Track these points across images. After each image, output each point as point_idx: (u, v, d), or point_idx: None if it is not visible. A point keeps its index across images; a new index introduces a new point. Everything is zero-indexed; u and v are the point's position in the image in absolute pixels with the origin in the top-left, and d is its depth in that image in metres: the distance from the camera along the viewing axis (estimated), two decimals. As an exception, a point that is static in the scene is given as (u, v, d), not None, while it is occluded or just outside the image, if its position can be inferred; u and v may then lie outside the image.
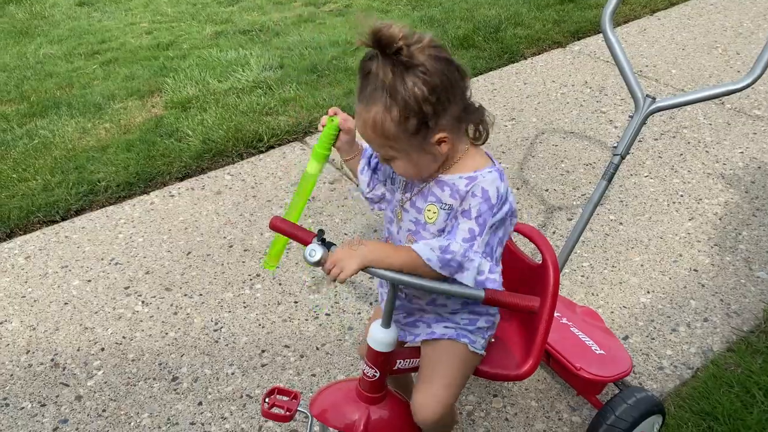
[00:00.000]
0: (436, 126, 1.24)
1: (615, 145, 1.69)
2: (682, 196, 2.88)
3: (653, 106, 1.65)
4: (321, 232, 1.36)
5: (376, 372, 1.47)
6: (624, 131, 1.68)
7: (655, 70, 3.97)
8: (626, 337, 2.21)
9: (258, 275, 2.54)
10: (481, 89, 3.83)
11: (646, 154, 3.17)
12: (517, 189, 2.96)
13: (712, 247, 2.58)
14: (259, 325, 2.32)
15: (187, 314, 2.38)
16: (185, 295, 2.47)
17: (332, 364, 2.16)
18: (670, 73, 3.92)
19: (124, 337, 2.30)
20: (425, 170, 1.34)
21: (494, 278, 1.31)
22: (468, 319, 1.46)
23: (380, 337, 1.44)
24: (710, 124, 3.39)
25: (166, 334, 2.31)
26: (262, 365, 2.17)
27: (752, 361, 2.05)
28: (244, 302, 2.42)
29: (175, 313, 2.39)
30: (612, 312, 2.31)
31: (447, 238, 1.32)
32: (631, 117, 1.71)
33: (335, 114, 1.47)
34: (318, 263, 1.31)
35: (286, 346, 2.23)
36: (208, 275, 2.55)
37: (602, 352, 1.86)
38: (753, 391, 1.93)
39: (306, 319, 2.33)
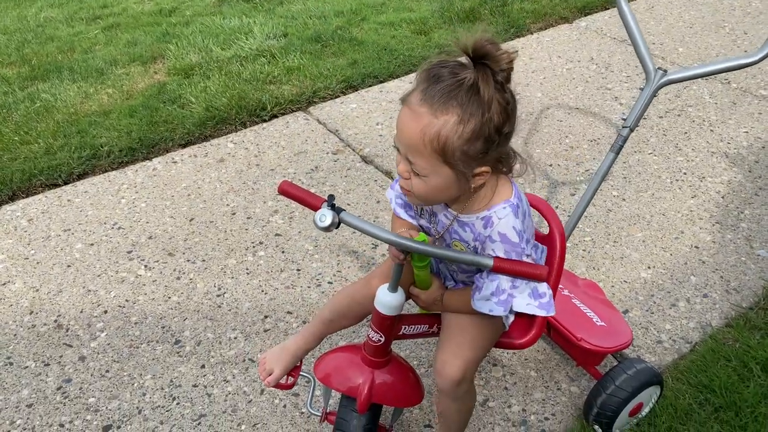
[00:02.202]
0: (486, 158, 1.21)
1: (624, 117, 1.68)
2: (685, 174, 2.88)
3: (664, 79, 1.64)
4: (331, 197, 1.36)
5: (381, 337, 1.48)
6: (634, 103, 1.67)
7: (662, 48, 3.94)
8: (626, 311, 2.23)
9: (261, 243, 2.55)
10: (486, 63, 3.80)
11: (650, 131, 3.16)
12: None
13: (713, 225, 2.59)
14: (262, 291, 2.33)
15: (190, 279, 2.39)
16: (188, 260, 2.47)
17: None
18: (677, 51, 3.90)
19: (127, 300, 2.31)
20: (440, 198, 1.32)
21: (544, 291, 1.36)
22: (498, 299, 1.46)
23: (387, 300, 1.45)
24: (716, 103, 3.37)
25: (169, 298, 2.32)
26: (265, 330, 2.18)
27: (750, 337, 2.08)
28: (247, 269, 2.43)
29: (178, 278, 2.40)
30: (613, 286, 2.32)
31: (497, 296, 1.35)
32: (642, 89, 1.71)
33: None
34: (328, 228, 1.31)
35: (289, 312, 2.25)
36: (211, 242, 2.56)
37: (603, 323, 1.88)
38: (750, 365, 1.95)
39: (308, 287, 2.35)
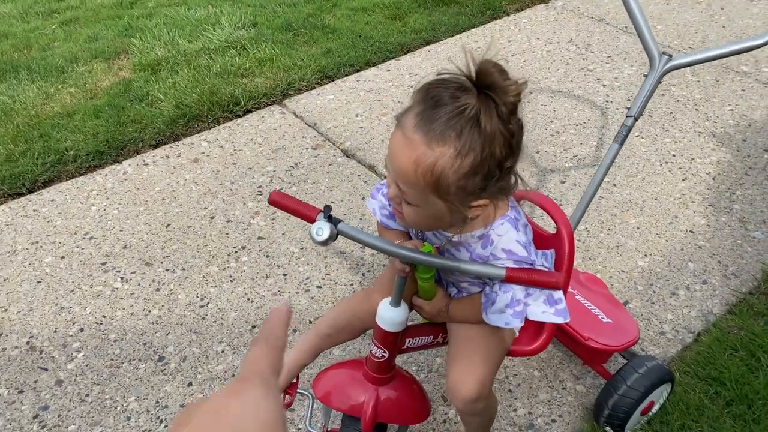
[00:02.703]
0: (485, 193, 1.09)
1: (628, 106, 1.60)
2: (674, 156, 2.83)
3: (669, 64, 1.56)
4: (327, 208, 1.25)
5: (384, 352, 1.39)
6: (638, 91, 1.59)
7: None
8: (626, 302, 2.17)
9: (243, 247, 2.42)
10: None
11: (636, 113, 3.09)
12: (508, 151, 2.87)
13: (707, 208, 2.54)
14: (248, 299, 2.22)
15: (171, 290, 2.26)
16: (167, 269, 2.34)
17: (327, 338, 2.08)
18: (656, 29, 3.83)
19: (104, 317, 2.18)
20: (432, 226, 1.23)
21: (560, 296, 1.27)
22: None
23: (390, 316, 1.36)
24: (698, 81, 3.33)
25: (149, 311, 2.19)
26: (254, 342, 2.07)
27: (754, 324, 2.03)
28: (231, 276, 2.31)
29: (158, 290, 2.27)
30: (611, 277, 2.26)
31: (512, 307, 1.26)
32: (646, 76, 1.62)
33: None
34: (326, 242, 1.21)
35: (278, 321, 2.14)
36: (191, 248, 2.43)
37: (609, 320, 1.81)
38: (758, 355, 1.91)
39: (297, 292, 2.24)
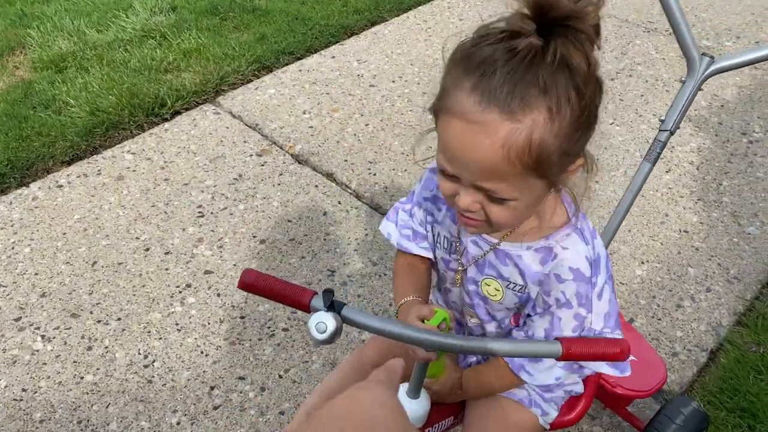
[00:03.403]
0: (582, 148, 0.88)
1: (662, 118, 1.34)
2: (652, 144, 2.64)
3: (712, 68, 1.31)
4: (328, 292, 0.93)
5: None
6: (674, 101, 1.34)
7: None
8: (631, 320, 1.96)
9: (188, 285, 2.05)
10: (413, 29, 3.38)
11: (605, 96, 2.88)
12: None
13: (696, 203, 2.37)
14: (201, 352, 1.87)
15: (106, 348, 1.88)
16: (98, 321, 1.95)
17: (303, 395, 1.76)
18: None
19: (24, 390, 1.78)
20: (525, 219, 0.97)
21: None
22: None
23: (411, 409, 1.07)
24: (663, 59, 3.15)
25: (82, 378, 1.81)
26: (215, 407, 1.74)
27: (772, 338, 1.87)
28: (177, 323, 1.95)
29: (89, 348, 1.88)
30: (610, 291, 2.04)
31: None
32: (683, 82, 1.37)
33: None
34: (331, 340, 0.90)
35: (241, 378, 1.80)
36: (125, 291, 2.04)
37: (633, 358, 1.58)
38: (784, 377, 1.74)
39: (259, 339, 1.90)
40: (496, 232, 1.00)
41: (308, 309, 0.94)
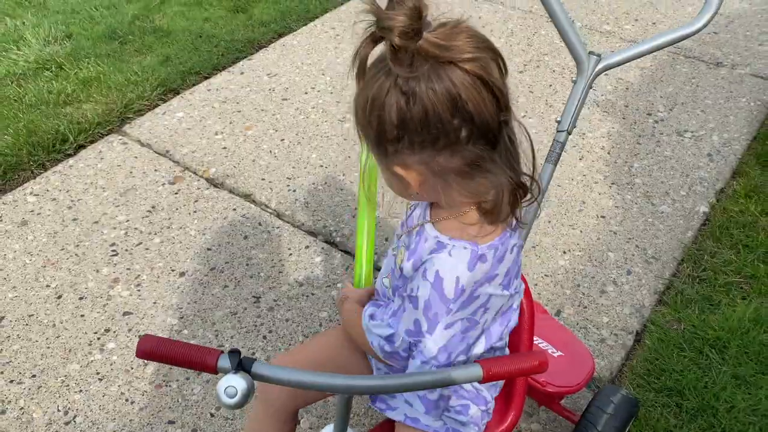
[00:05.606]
0: (396, 155, 0.89)
1: (559, 119, 1.36)
2: (564, 132, 2.69)
3: (600, 65, 1.33)
4: (234, 352, 0.88)
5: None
6: (567, 101, 1.36)
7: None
8: (558, 312, 1.99)
9: (107, 330, 1.96)
10: (322, 37, 3.33)
11: (516, 90, 2.93)
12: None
13: (610, 187, 2.43)
14: (127, 400, 1.78)
15: (21, 408, 1.76)
16: (11, 381, 1.83)
17: (237, 431, 1.71)
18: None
19: (-68, 467, 1.65)
20: (396, 191, 0.99)
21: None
22: (460, 404, 1.08)
23: (335, 450, 1.04)
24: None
25: (-4, 445, 1.69)
26: (145, 458, 1.66)
27: (690, 314, 1.93)
28: (98, 372, 1.85)
29: (3, 412, 1.76)
30: (536, 284, 2.07)
31: (391, 325, 1.04)
32: (575, 82, 1.39)
33: None
34: (243, 403, 0.85)
35: (171, 422, 1.73)
36: (38, 345, 1.92)
37: (560, 353, 1.60)
38: (705, 351, 1.81)
39: (187, 378, 1.83)
40: (436, 216, 0.99)
41: (215, 371, 0.88)
